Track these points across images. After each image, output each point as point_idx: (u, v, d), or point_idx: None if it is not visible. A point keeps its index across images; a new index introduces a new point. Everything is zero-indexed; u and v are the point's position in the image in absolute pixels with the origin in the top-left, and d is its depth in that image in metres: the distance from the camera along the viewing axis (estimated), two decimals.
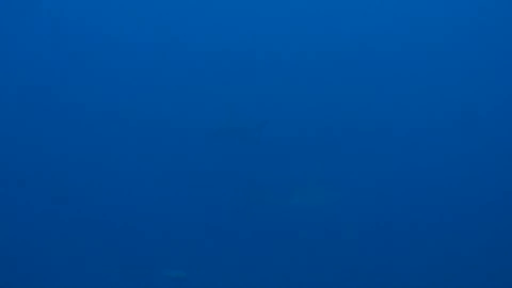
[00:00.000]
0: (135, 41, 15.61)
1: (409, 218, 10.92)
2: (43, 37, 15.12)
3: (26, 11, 15.43)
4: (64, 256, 9.83)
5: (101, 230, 10.31)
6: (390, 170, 12.22)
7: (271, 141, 12.57)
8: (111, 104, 13.53)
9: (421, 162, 12.67)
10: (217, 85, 14.02)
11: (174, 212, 10.91)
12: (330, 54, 15.30)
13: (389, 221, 10.81)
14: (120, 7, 16.46)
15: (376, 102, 14.16)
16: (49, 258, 9.74)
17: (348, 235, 10.45)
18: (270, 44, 15.48)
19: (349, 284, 9.51)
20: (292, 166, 12.14)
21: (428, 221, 10.95)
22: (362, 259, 10.02)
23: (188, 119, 12.91)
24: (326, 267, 9.81)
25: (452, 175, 12.15)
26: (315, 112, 13.71)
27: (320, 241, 10.33)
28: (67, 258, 9.79)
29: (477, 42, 15.73)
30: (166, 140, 12.60)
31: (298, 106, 13.82)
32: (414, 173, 12.24)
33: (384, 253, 10.18)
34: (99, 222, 10.52)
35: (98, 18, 15.92)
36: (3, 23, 15.16)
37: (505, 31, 15.79)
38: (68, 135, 12.79)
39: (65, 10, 15.84)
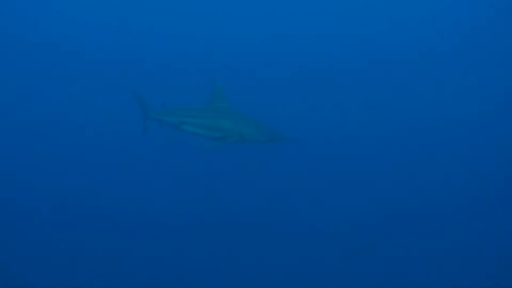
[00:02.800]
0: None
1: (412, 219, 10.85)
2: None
3: None
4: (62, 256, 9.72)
5: (98, 230, 10.20)
6: (393, 171, 12.19)
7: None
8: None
9: (423, 163, 12.59)
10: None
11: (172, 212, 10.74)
12: (329, 56, 15.51)
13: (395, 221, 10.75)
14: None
15: (379, 103, 14.11)
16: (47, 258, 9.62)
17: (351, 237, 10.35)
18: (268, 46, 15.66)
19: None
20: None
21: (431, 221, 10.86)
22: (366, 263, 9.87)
23: None
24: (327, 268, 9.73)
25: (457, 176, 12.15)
26: (315, 112, 13.71)
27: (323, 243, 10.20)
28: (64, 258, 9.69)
29: (485, 43, 15.91)
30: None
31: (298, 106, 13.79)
32: (416, 174, 12.16)
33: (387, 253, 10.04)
34: (97, 222, 10.39)
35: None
36: None
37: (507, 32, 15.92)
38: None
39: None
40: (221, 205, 10.69)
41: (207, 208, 10.67)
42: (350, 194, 11.30)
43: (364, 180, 11.75)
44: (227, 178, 11.04)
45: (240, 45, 16.03)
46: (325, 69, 15.16)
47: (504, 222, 10.70)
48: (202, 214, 10.56)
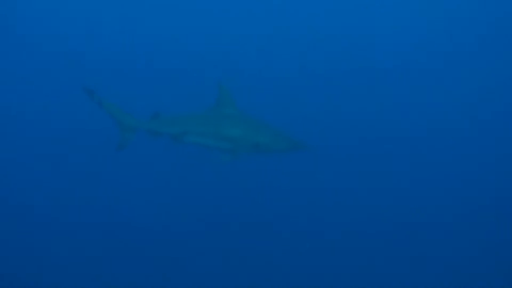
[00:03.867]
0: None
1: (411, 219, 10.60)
2: None
3: None
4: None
5: (100, 232, 9.99)
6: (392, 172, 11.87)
7: None
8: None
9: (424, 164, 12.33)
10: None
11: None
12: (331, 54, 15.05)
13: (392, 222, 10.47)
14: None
15: (379, 103, 13.78)
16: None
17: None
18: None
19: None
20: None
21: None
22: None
23: None
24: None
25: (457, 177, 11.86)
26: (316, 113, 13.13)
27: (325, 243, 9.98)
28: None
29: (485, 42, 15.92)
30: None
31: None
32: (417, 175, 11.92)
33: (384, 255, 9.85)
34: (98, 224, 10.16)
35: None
36: None
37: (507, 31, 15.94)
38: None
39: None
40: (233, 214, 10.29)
41: (215, 216, 10.32)
42: (363, 199, 11.03)
43: (378, 185, 11.44)
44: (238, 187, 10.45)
45: (247, 42, 15.52)
46: (340, 69, 14.75)
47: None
48: (208, 223, 10.25)
